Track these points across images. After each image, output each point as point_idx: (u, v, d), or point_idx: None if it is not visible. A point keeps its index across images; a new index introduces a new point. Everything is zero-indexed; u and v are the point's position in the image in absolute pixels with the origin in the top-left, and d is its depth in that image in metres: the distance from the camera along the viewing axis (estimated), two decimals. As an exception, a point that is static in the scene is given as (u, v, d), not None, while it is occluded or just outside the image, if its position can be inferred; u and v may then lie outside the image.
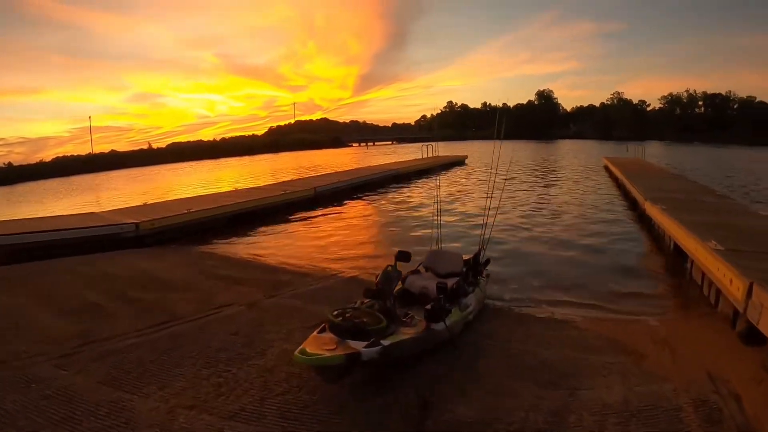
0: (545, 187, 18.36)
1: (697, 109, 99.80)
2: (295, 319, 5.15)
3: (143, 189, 24.23)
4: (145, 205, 12.61)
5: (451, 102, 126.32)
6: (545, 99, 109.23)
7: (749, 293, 4.28)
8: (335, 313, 3.73)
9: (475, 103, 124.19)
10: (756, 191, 16.72)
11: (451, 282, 4.73)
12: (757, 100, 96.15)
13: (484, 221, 6.07)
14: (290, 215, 12.78)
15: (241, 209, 11.54)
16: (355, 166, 26.25)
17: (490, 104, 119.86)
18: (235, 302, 5.76)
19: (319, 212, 13.33)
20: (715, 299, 5.74)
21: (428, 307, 4.02)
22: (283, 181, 17.67)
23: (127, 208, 11.99)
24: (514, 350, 4.54)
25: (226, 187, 20.05)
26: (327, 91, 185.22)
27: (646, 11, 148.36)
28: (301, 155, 45.30)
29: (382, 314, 3.82)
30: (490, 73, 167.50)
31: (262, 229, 11.26)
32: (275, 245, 9.62)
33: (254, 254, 8.81)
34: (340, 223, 11.90)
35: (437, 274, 5.13)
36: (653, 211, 9.69)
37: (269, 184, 16.73)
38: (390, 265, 4.50)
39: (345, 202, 15.23)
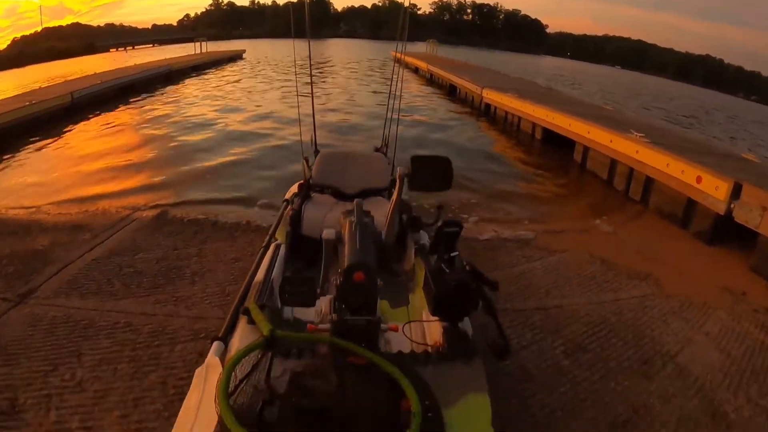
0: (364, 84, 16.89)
1: (465, 17, 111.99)
2: (81, 365, 2.36)
3: None
4: None
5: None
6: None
7: (735, 194, 4.04)
8: None
9: (242, 1, 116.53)
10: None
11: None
12: (521, 13, 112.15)
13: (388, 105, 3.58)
14: (39, 136, 8.22)
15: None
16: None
17: (258, 2, 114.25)
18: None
19: (81, 126, 9.14)
20: (642, 195, 5.31)
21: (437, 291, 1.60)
22: (28, 92, 11.96)
23: None
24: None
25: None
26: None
27: None
28: (52, 66, 34.49)
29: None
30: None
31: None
32: (19, 185, 5.73)
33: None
34: (117, 137, 8.21)
35: (351, 195, 2.64)
36: (503, 99, 9.11)
37: (6, 98, 11.03)
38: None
39: (116, 108, 11.05)
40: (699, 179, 4.38)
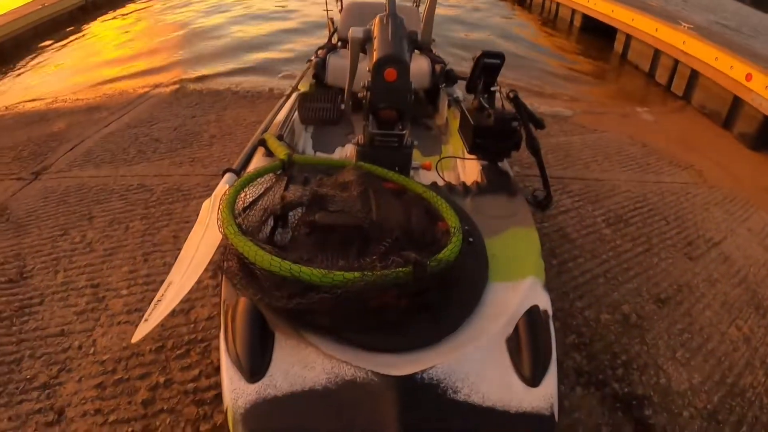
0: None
1: None
2: (92, 227, 2.27)
3: None
4: None
5: None
6: None
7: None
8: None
9: None
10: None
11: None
12: None
13: None
14: (55, 37, 7.70)
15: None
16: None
17: None
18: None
19: (97, 24, 8.44)
20: (685, 91, 4.89)
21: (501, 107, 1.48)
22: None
23: None
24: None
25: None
26: None
27: None
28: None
29: None
30: None
31: (11, 67, 6.45)
32: (37, 83, 5.46)
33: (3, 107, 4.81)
34: (135, 32, 7.69)
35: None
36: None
37: (19, 7, 10.26)
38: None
39: (135, 3, 10.24)
40: (749, 77, 3.96)
